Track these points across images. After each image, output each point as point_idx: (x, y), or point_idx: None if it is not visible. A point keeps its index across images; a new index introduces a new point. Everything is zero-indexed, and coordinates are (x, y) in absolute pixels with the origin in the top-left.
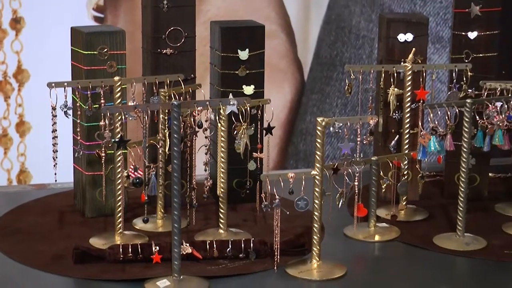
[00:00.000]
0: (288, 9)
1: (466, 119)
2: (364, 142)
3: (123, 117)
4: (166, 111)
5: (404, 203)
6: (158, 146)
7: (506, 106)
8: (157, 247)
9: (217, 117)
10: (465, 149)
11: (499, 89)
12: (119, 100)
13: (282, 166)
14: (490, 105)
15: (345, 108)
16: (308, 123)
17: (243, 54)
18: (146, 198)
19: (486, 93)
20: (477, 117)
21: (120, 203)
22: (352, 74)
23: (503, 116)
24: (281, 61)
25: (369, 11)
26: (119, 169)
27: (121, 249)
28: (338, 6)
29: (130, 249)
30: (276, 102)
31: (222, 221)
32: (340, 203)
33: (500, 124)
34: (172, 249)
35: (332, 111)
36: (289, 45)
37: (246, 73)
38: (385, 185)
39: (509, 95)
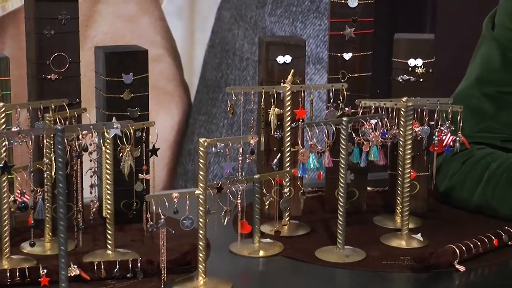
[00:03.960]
0: (174, 33)
1: (343, 137)
2: (247, 161)
3: (7, 142)
4: (52, 135)
5: (287, 218)
6: (44, 170)
7: (380, 123)
8: (45, 270)
9: (101, 141)
10: (342, 165)
11: (373, 107)
12: (3, 126)
13: (172, 186)
14: (365, 123)
15: (231, 128)
16: (195, 143)
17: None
18: (33, 222)
19: (361, 111)
20: (354, 134)
21: (6, 227)
22: (233, 96)
23: (378, 133)
24: (168, 84)
25: (252, 34)
26: (5, 194)
27: (8, 273)
28: (222, 30)
29: (17, 273)
30: (164, 123)
31: (109, 242)
32: (226, 221)
33: (375, 141)
34: (60, 271)
35: (219, 131)
36: (176, 68)
37: (131, 96)
38: (268, 202)
39: (383, 112)
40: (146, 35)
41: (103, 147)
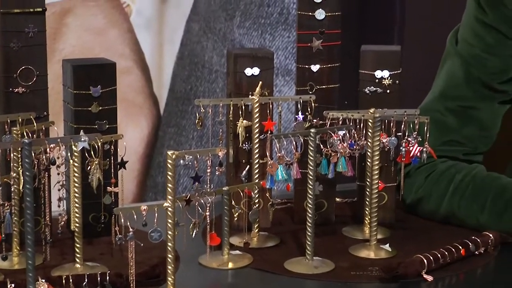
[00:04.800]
0: (143, 46)
1: (311, 148)
2: (216, 173)
3: None
4: (19, 149)
5: (256, 230)
6: (12, 184)
7: (348, 134)
8: (12, 285)
9: (69, 154)
10: (311, 177)
11: (341, 118)
12: None
13: (142, 198)
14: (333, 134)
15: (201, 140)
16: (165, 156)
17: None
18: (3, 236)
19: (329, 123)
20: (322, 145)
21: None
22: (202, 108)
23: (346, 144)
24: (137, 96)
25: (221, 47)
26: None
27: None
28: (191, 42)
29: None
30: (133, 136)
31: (78, 255)
32: (194, 233)
33: (343, 152)
34: (27, 286)
35: (188, 143)
36: (145, 81)
37: (99, 109)
38: (237, 213)
39: (351, 124)
40: (114, 47)
41: (71, 160)
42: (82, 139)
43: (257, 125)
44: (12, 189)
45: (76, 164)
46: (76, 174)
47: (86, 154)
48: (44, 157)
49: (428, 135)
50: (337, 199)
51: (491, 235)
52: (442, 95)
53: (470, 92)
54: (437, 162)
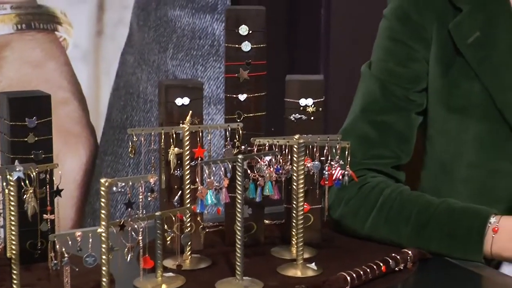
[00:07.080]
0: (80, 77)
1: (239, 173)
2: (149, 199)
3: None
4: None
5: (189, 253)
6: None
7: (274, 159)
8: None
9: (4, 183)
10: (239, 200)
11: (267, 144)
12: None
13: (80, 225)
14: (260, 160)
15: (137, 167)
16: None
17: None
18: None
19: (256, 149)
20: (249, 171)
21: None
22: (135, 137)
23: (272, 169)
24: (75, 126)
25: (155, 77)
26: None
27: None
28: (126, 74)
29: None
30: (72, 165)
31: (15, 281)
32: (129, 257)
33: (269, 176)
34: None
35: (125, 171)
36: (82, 111)
37: (35, 140)
38: (169, 237)
39: (277, 149)
40: (52, 79)
41: (7, 190)
42: (17, 169)
43: (188, 152)
44: None
45: (12, 193)
46: (12, 203)
47: (22, 183)
48: None
49: (349, 159)
50: (266, 221)
51: (410, 252)
52: (362, 111)
53: (388, 105)
54: (368, 176)
